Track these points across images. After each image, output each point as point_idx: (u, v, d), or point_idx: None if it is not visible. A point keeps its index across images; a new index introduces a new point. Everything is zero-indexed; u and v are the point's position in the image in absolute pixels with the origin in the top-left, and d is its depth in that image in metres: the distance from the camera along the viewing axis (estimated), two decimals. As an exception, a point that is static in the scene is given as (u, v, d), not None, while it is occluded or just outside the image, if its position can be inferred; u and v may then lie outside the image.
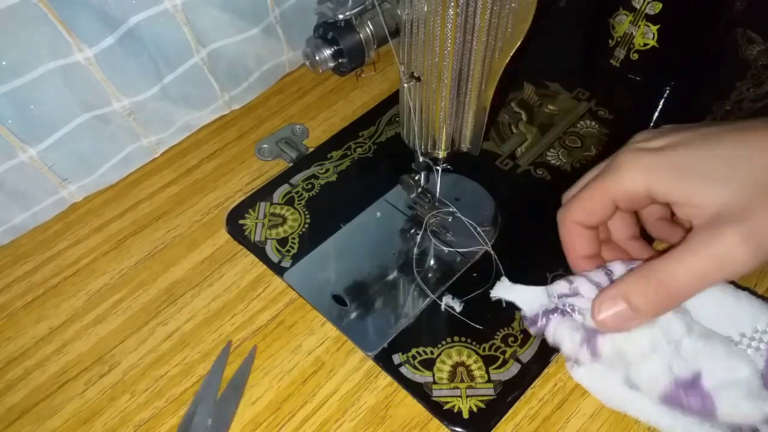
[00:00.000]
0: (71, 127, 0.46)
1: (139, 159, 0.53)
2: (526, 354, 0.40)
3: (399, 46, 0.36)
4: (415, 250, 0.47)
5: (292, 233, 0.48)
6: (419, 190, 0.44)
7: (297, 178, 0.51)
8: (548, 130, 0.54)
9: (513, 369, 0.40)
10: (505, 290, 0.36)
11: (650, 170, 0.29)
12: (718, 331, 0.30)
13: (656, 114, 0.55)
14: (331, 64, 0.38)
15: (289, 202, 0.50)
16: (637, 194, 0.30)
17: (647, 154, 0.30)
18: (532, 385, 0.40)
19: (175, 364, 0.42)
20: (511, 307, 0.43)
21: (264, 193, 0.51)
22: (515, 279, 0.45)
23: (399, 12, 0.34)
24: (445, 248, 0.46)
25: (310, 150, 0.54)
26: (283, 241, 0.47)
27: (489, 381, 0.39)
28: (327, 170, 0.52)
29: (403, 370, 0.40)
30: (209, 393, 0.40)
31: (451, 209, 0.46)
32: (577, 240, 0.35)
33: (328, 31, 0.36)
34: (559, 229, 0.36)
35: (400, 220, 0.48)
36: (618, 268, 0.33)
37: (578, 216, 0.35)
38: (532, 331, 0.35)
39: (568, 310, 0.33)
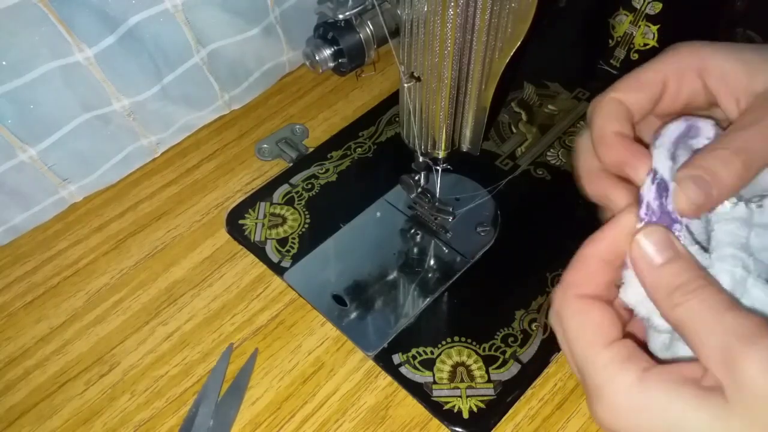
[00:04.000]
0: (71, 127, 0.46)
1: (139, 159, 0.53)
2: (526, 354, 0.40)
3: (399, 46, 0.36)
4: (415, 250, 0.47)
5: (292, 233, 0.48)
6: (419, 190, 0.44)
7: (297, 178, 0.51)
8: (548, 130, 0.54)
9: (513, 369, 0.40)
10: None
11: (708, 47, 0.28)
12: None
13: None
14: (331, 64, 0.38)
15: (289, 202, 0.50)
16: (691, 68, 0.28)
17: (705, 42, 0.28)
18: (532, 385, 0.40)
19: (175, 364, 0.42)
20: (511, 307, 0.43)
21: (264, 193, 0.51)
22: (515, 278, 0.45)
23: (399, 12, 0.34)
24: (445, 248, 0.46)
25: (310, 150, 0.54)
26: (283, 241, 0.47)
27: (489, 381, 0.39)
28: (327, 170, 0.52)
29: (403, 370, 0.40)
30: (211, 394, 0.40)
31: (451, 209, 0.46)
32: (614, 118, 0.29)
33: (328, 31, 0.36)
34: (593, 110, 0.29)
35: (400, 220, 0.48)
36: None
37: (622, 92, 0.29)
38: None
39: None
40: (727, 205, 0.26)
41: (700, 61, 0.28)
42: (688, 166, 0.25)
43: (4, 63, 0.39)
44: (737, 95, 0.27)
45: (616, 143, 0.27)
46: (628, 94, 0.29)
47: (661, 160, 0.26)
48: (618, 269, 0.25)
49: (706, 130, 0.27)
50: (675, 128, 0.27)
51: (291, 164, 0.53)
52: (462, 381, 0.39)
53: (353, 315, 0.43)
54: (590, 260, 0.25)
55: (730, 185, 0.25)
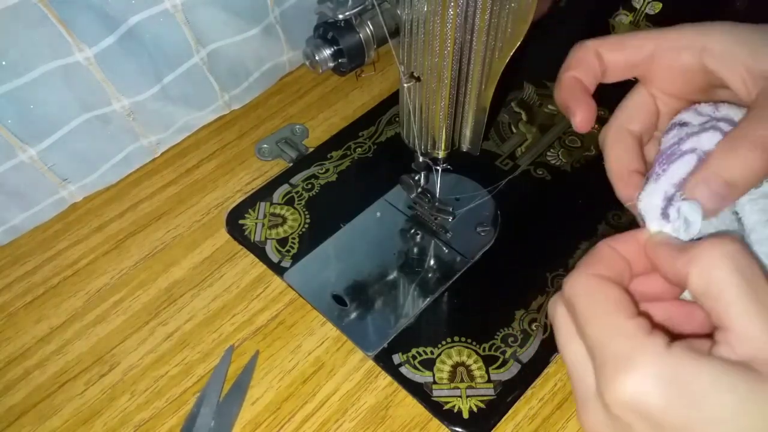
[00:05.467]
0: (71, 127, 0.46)
1: (139, 159, 0.53)
2: (526, 354, 0.40)
3: (399, 46, 0.36)
4: (415, 250, 0.47)
5: (292, 233, 0.48)
6: (419, 190, 0.44)
7: (297, 178, 0.51)
8: (548, 130, 0.54)
9: (513, 369, 0.40)
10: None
11: (707, 27, 0.29)
12: None
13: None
14: (331, 64, 0.38)
15: (289, 202, 0.50)
16: (691, 48, 0.29)
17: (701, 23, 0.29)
18: (532, 385, 0.40)
19: (175, 364, 0.42)
20: (511, 307, 0.43)
21: (264, 193, 0.51)
22: (515, 278, 0.45)
23: (399, 12, 0.34)
24: (445, 248, 0.46)
25: (310, 150, 0.54)
26: (283, 241, 0.47)
27: (489, 381, 0.39)
28: (327, 170, 0.52)
29: (403, 370, 0.40)
30: (212, 394, 0.40)
31: (451, 209, 0.46)
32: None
33: (328, 31, 0.36)
34: (604, 141, 0.30)
35: (400, 220, 0.48)
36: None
37: (627, 122, 0.30)
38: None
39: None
40: None
41: (700, 42, 0.28)
42: (701, 169, 0.25)
43: (4, 63, 0.39)
44: (742, 75, 0.27)
45: (632, 180, 0.28)
46: (632, 125, 0.30)
47: (651, 203, 0.26)
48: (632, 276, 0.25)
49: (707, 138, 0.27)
50: (686, 165, 0.26)
51: (291, 164, 0.53)
52: (462, 381, 0.39)
53: (353, 315, 0.43)
54: (606, 250, 0.24)
55: (744, 185, 0.24)
